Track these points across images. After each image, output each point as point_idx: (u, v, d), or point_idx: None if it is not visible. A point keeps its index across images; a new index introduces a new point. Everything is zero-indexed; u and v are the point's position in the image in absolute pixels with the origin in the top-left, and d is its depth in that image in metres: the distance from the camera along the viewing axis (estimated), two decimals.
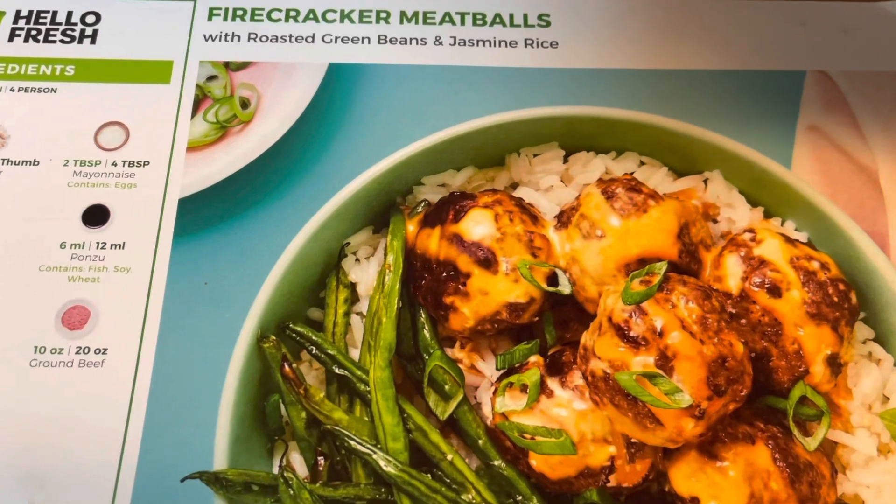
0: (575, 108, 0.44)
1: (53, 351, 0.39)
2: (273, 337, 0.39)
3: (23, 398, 0.38)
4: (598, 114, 0.44)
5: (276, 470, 0.37)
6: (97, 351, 0.39)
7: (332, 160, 0.43)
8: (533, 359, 0.39)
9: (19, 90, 0.45)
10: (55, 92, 0.45)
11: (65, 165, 0.43)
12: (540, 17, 0.48)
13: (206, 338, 0.39)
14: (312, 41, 0.47)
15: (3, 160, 0.43)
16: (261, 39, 0.47)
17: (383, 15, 0.48)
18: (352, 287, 0.41)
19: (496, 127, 0.44)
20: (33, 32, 0.47)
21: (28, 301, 0.40)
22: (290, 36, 0.47)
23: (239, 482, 0.36)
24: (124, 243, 0.41)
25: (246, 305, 0.40)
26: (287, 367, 0.38)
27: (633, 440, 0.36)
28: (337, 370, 0.38)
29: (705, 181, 0.44)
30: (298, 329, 0.39)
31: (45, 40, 0.46)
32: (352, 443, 0.37)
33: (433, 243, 0.40)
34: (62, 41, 0.46)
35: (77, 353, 0.39)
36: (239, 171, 0.43)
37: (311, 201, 0.42)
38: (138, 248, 0.41)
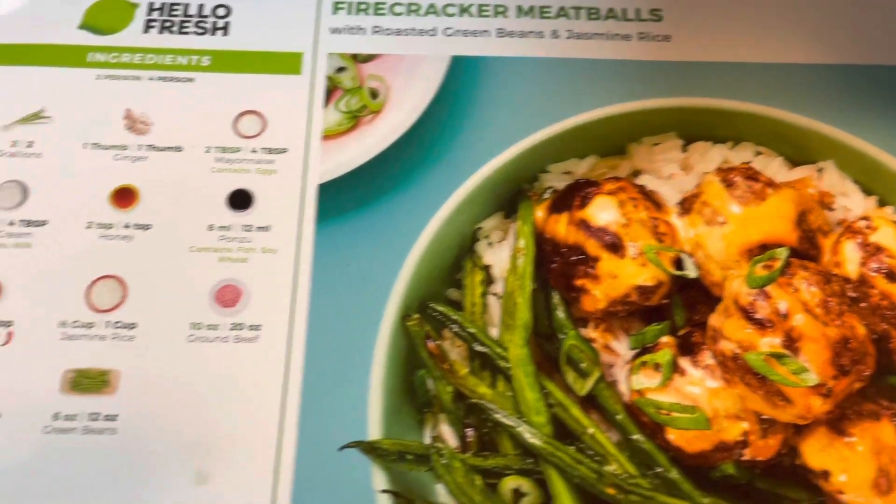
0: (692, 100, 0.46)
1: (210, 327, 0.41)
2: (416, 315, 0.41)
3: (183, 371, 0.40)
4: (714, 105, 0.46)
5: (427, 440, 0.39)
6: (251, 327, 0.41)
7: (461, 149, 0.45)
8: (664, 339, 0.41)
9: (159, 80, 0.47)
10: (193, 82, 0.47)
11: (206, 152, 0.45)
12: (652, 11, 0.50)
13: (353, 316, 0.41)
14: (434, 34, 0.49)
15: (149, 146, 0.45)
16: (385, 32, 0.49)
17: (501, 9, 0.50)
18: (486, 269, 0.43)
19: (617, 117, 0.46)
20: (167, 24, 0.49)
21: (182, 280, 0.42)
22: (413, 29, 0.49)
23: (393, 451, 0.38)
24: (269, 226, 0.43)
25: (388, 286, 0.42)
26: (431, 344, 0.41)
27: (764, 416, 0.38)
28: (478, 347, 0.41)
29: (819, 171, 0.46)
30: (440, 308, 0.41)
31: (180, 31, 0.48)
32: (497, 416, 0.39)
33: (561, 228, 0.42)
34: (196, 32, 0.48)
35: (232, 328, 0.41)
36: (373, 158, 0.45)
37: (442, 188, 0.44)
38: (283, 231, 0.43)
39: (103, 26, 0.48)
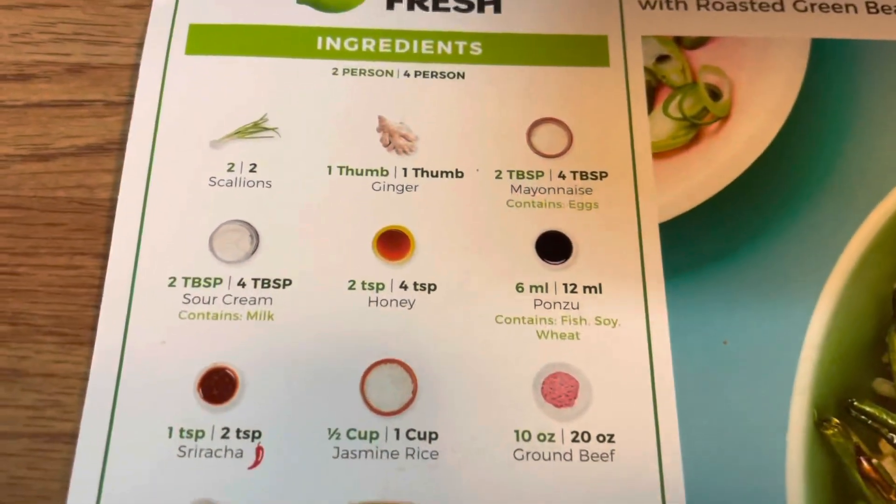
0: None
1: (542, 437, 0.29)
2: (836, 420, 0.29)
3: (510, 500, 0.28)
4: None
5: None
6: (600, 438, 0.29)
7: (850, 167, 0.33)
8: None
9: (415, 74, 0.34)
10: (462, 77, 0.34)
11: (497, 178, 0.33)
12: None
13: (744, 420, 0.29)
14: (782, 9, 0.36)
15: (417, 171, 0.33)
16: (714, 7, 0.36)
17: None
18: None
19: None
20: None
21: (492, 368, 0.30)
22: (752, 3, 0.36)
23: None
24: (600, 285, 0.31)
25: (788, 374, 0.29)
26: (866, 464, 0.28)
27: None
28: None
29: None
30: (867, 409, 0.29)
31: (436, 8, 0.35)
32: None
33: None
34: (458, 9, 0.35)
35: (575, 440, 0.29)
36: (729, 185, 0.32)
37: (836, 226, 0.32)
38: (622, 293, 0.31)
39: (332, 0, 0.35)
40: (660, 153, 0.33)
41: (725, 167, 0.32)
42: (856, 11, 0.36)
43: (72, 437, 0.28)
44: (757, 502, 0.28)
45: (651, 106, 0.34)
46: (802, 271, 0.31)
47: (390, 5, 0.35)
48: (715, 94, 0.34)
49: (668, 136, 0.33)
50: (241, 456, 0.28)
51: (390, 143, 0.33)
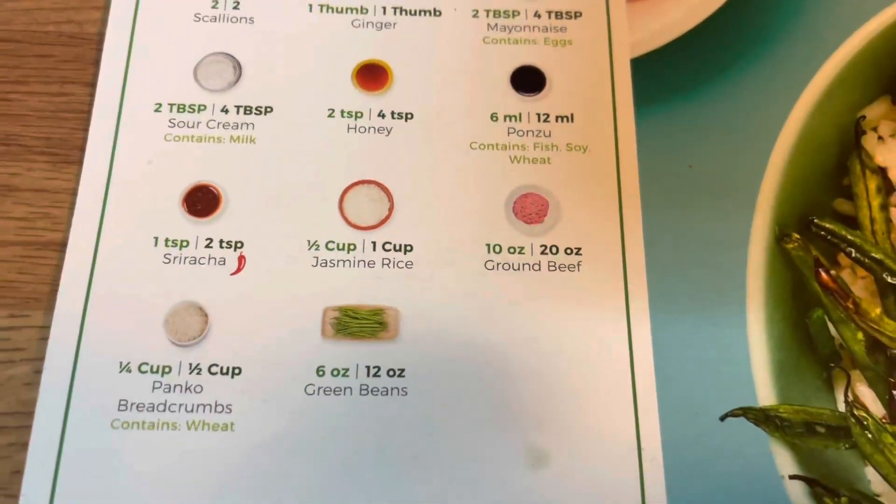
0: None
1: (512, 250, 0.30)
2: (796, 235, 0.30)
3: (483, 310, 0.28)
4: None
5: (841, 406, 0.28)
6: (568, 251, 0.30)
7: (819, 9, 0.33)
8: None
9: None
10: None
11: (475, 16, 0.33)
12: None
13: (707, 236, 0.30)
14: None
15: (395, 9, 0.33)
16: None
17: None
18: (882, 173, 0.31)
19: None
20: None
21: (466, 187, 0.31)
22: None
23: (797, 421, 0.27)
24: (572, 115, 0.32)
25: (750, 195, 0.30)
26: (824, 275, 0.29)
27: None
28: (890, 279, 0.29)
29: None
30: (827, 226, 0.30)
31: None
32: None
33: None
34: None
35: (543, 252, 0.30)
36: (700, 24, 0.33)
37: (802, 63, 0.33)
38: (593, 121, 0.32)
39: None
40: None
41: (696, 7, 0.33)
42: None
43: (61, 246, 0.29)
44: (719, 309, 0.29)
45: None
46: (768, 102, 0.32)
47: None
48: None
49: None
50: (224, 263, 0.29)
51: None
